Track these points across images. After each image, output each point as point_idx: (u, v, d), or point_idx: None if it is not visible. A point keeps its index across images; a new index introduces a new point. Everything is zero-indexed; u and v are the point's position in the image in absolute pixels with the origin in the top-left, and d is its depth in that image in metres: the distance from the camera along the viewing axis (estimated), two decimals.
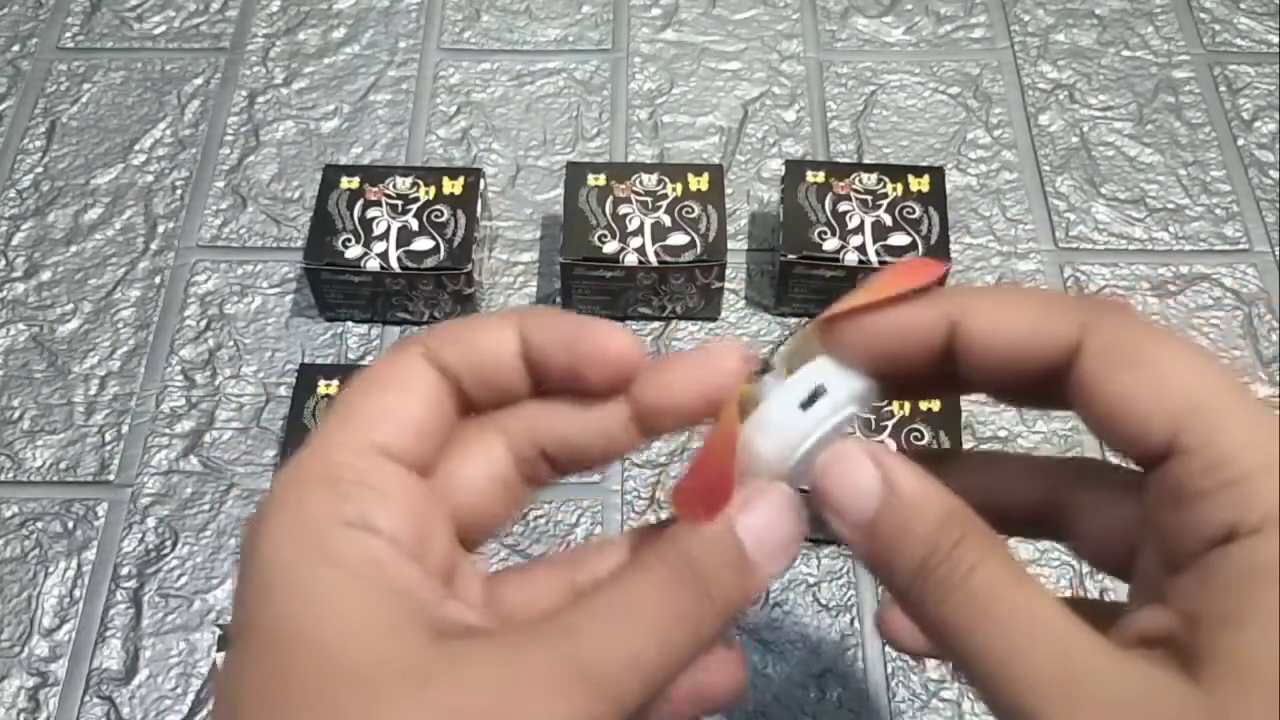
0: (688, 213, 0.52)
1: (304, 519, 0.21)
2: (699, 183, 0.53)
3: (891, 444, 0.46)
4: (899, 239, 0.52)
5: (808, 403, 0.23)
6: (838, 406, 0.23)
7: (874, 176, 0.54)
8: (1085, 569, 0.47)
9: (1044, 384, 0.23)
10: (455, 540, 0.24)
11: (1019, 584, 0.21)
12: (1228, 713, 0.18)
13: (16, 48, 0.64)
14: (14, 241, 0.57)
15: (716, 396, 0.24)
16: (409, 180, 0.53)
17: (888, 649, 0.46)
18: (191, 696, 0.45)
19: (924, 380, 0.24)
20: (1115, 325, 0.22)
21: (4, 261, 0.56)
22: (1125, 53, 0.64)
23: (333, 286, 0.52)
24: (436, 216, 0.52)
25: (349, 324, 0.54)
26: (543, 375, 0.25)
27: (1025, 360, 0.22)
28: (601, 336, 0.24)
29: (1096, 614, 0.21)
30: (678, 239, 0.52)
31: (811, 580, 0.48)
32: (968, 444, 0.50)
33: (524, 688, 0.20)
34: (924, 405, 0.48)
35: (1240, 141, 0.61)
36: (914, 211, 0.52)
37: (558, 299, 0.55)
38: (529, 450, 0.25)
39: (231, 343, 0.54)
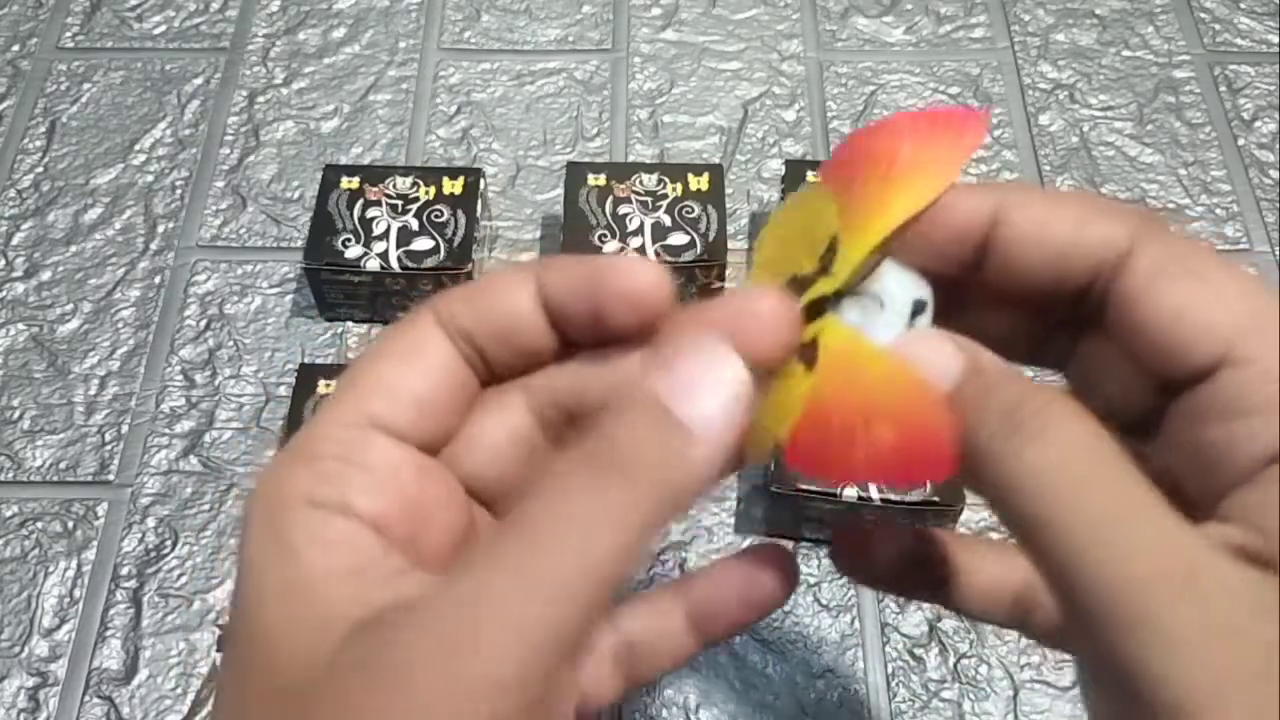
0: (688, 213, 0.52)
1: (276, 503, 0.20)
2: (699, 183, 0.53)
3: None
4: None
5: (912, 318, 0.22)
6: (928, 313, 0.22)
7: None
8: None
9: (1077, 298, 0.21)
10: (469, 509, 0.23)
11: (1117, 451, 0.19)
12: None
13: (16, 47, 0.64)
14: (14, 241, 0.57)
15: (764, 350, 0.21)
16: (409, 180, 0.53)
17: (888, 650, 0.46)
18: (191, 697, 0.45)
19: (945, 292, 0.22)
20: (1167, 236, 0.21)
21: (4, 261, 0.56)
22: (1125, 53, 0.64)
23: (333, 286, 0.52)
24: (436, 216, 0.52)
25: (349, 324, 0.54)
26: (567, 329, 0.22)
27: (1067, 262, 0.21)
28: (622, 274, 0.21)
29: None
30: (678, 239, 0.52)
31: (812, 580, 0.48)
32: None
33: (409, 672, 0.18)
34: None
35: (1241, 141, 0.61)
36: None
37: None
38: (552, 410, 0.23)
39: (231, 343, 0.54)
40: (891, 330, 0.22)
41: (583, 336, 0.22)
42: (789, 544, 0.48)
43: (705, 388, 0.20)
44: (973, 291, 0.23)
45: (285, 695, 0.18)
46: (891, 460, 0.20)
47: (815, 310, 0.23)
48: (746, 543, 0.48)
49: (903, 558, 0.26)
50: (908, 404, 0.20)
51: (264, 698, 0.19)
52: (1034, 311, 0.23)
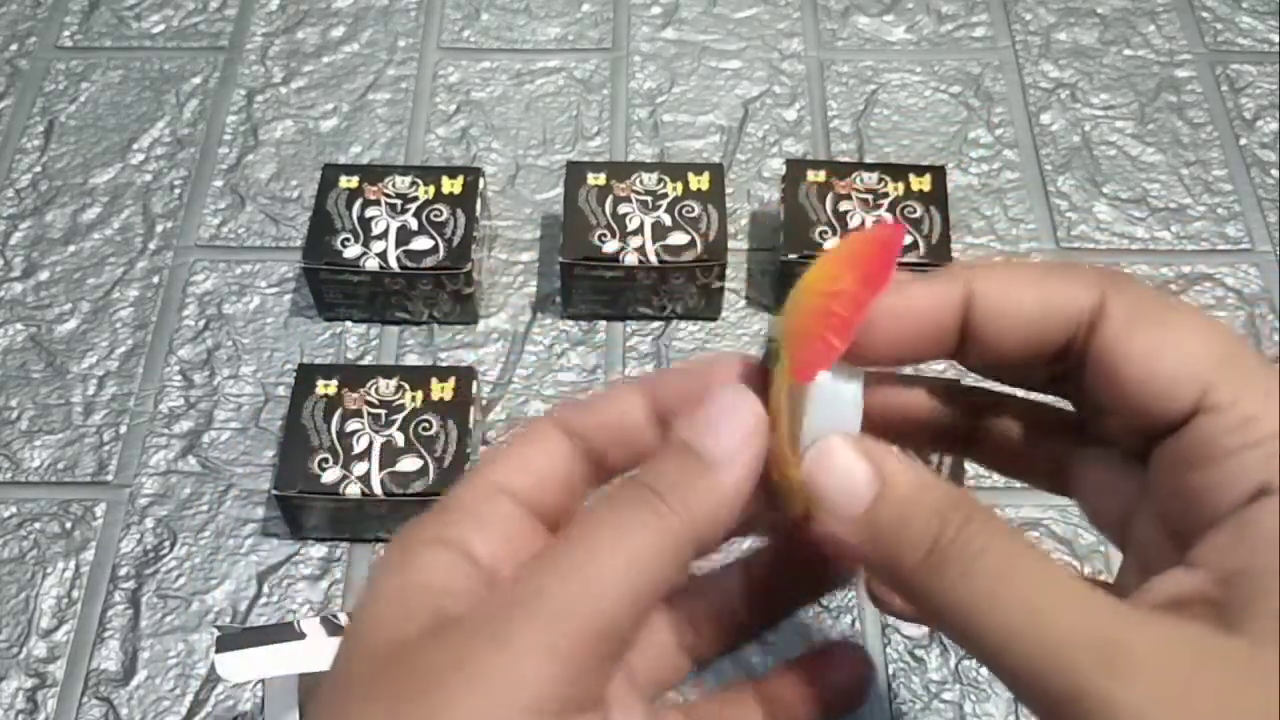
0: (688, 212, 0.52)
1: (408, 539, 0.24)
2: (699, 182, 0.53)
3: None
4: None
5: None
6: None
7: (875, 176, 0.53)
8: (1082, 561, 0.47)
9: (1058, 360, 0.22)
10: None
11: (1036, 557, 0.20)
12: (1266, 654, 0.18)
13: (15, 47, 0.64)
14: (12, 241, 0.57)
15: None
16: (408, 179, 0.53)
17: (889, 651, 0.46)
18: (190, 697, 0.45)
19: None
20: (1136, 291, 0.22)
21: (2, 261, 0.56)
22: (1127, 52, 0.64)
23: (331, 286, 0.52)
24: (436, 216, 0.52)
25: (348, 324, 0.54)
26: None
27: (1042, 330, 0.22)
28: (720, 400, 0.24)
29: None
30: (678, 238, 0.51)
31: None
32: None
33: (476, 637, 0.21)
34: None
35: (1242, 141, 0.60)
36: (915, 211, 0.52)
37: (558, 298, 0.54)
38: (578, 440, 0.26)
39: (230, 342, 0.54)
40: (843, 417, 0.23)
41: None
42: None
43: (724, 426, 0.23)
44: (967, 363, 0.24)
45: (375, 663, 0.21)
46: (858, 284, 0.23)
47: None
48: None
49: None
50: (838, 258, 0.23)
51: (363, 657, 0.22)
52: (1025, 373, 0.24)
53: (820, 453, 0.23)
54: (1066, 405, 0.25)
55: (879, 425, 0.24)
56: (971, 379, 0.26)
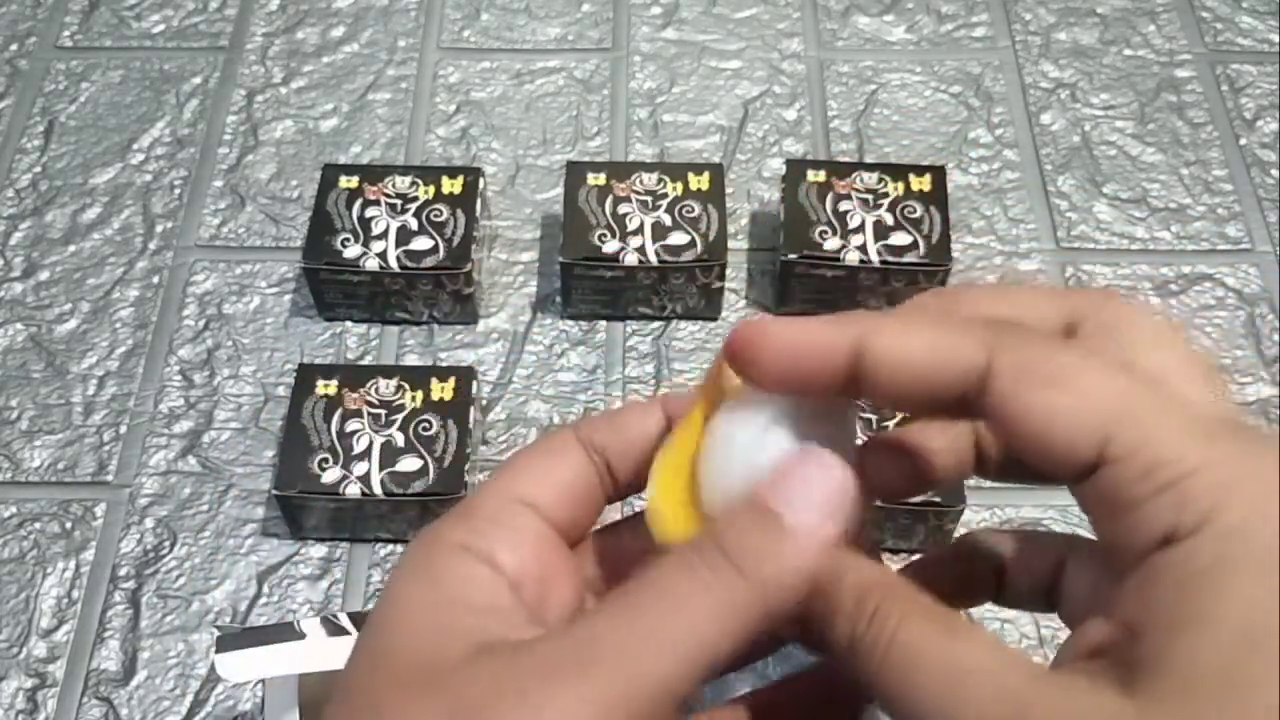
0: (688, 212, 0.52)
1: (431, 546, 0.24)
2: (699, 182, 0.53)
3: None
4: (900, 238, 0.52)
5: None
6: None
7: (875, 176, 0.53)
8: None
9: (959, 408, 0.22)
10: (583, 592, 0.26)
11: (946, 634, 0.20)
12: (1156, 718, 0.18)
13: (15, 47, 0.64)
14: (12, 241, 0.57)
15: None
16: (408, 179, 0.53)
17: None
18: (190, 698, 0.45)
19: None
20: (1022, 344, 0.21)
21: (2, 261, 0.56)
22: (1127, 51, 0.64)
23: (331, 286, 0.52)
24: (436, 216, 0.52)
25: (348, 324, 0.54)
26: None
27: (931, 385, 0.22)
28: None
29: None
30: (678, 238, 0.51)
31: None
32: None
33: (528, 673, 0.21)
34: None
35: (1242, 141, 0.60)
36: (915, 211, 0.52)
37: (558, 299, 0.54)
38: (596, 455, 0.26)
39: (230, 342, 0.54)
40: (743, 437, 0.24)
41: None
42: None
43: (811, 494, 0.22)
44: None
45: (416, 683, 0.21)
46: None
47: None
48: None
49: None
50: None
51: (395, 676, 0.22)
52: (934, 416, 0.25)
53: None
54: None
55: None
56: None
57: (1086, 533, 0.26)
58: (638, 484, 0.26)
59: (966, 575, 0.27)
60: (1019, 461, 0.26)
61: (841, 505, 0.23)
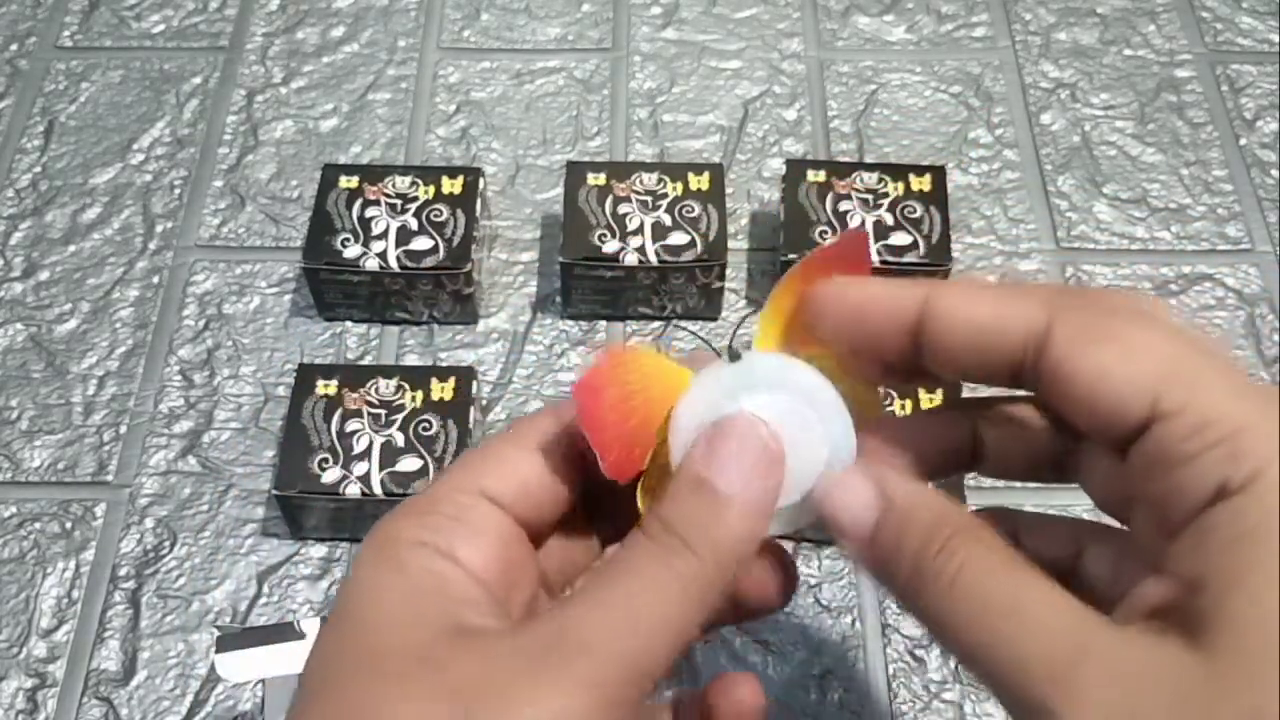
0: (688, 212, 0.52)
1: (390, 535, 0.24)
2: (699, 182, 0.53)
3: None
4: (900, 238, 0.52)
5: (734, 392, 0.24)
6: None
7: (875, 176, 0.53)
8: None
9: (1012, 377, 0.23)
10: (541, 591, 0.26)
11: (1013, 573, 0.21)
12: (1225, 677, 0.18)
13: (15, 47, 0.64)
14: (12, 241, 0.57)
15: None
16: (408, 179, 0.53)
17: (889, 651, 0.46)
18: (190, 698, 0.45)
19: (891, 374, 0.25)
20: (1083, 305, 0.22)
21: (2, 261, 0.56)
22: (1127, 51, 0.64)
23: (331, 286, 0.52)
24: (436, 216, 0.52)
25: (348, 324, 0.54)
26: None
27: (992, 344, 0.22)
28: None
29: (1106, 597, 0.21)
30: (678, 238, 0.51)
31: (813, 581, 0.47)
32: None
33: (514, 663, 0.21)
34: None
35: (1242, 141, 0.60)
36: (915, 211, 0.52)
37: (558, 299, 0.54)
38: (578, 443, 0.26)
39: (230, 342, 0.54)
40: (711, 377, 0.25)
41: None
42: (789, 544, 0.48)
43: (734, 460, 0.23)
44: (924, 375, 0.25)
45: (397, 668, 0.22)
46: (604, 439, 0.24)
47: None
48: None
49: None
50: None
51: (379, 666, 0.22)
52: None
53: (830, 483, 0.24)
54: None
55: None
56: (969, 389, 0.26)
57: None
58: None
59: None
60: (1018, 457, 0.26)
61: (772, 468, 0.23)
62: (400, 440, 0.46)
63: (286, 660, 0.36)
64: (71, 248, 0.57)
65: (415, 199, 0.52)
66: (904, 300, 0.23)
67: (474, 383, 0.48)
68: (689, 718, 0.27)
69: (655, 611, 0.22)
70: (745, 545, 0.23)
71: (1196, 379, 0.20)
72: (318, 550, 0.48)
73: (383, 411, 0.47)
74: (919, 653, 0.46)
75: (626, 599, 0.22)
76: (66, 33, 0.65)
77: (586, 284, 0.52)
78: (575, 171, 0.53)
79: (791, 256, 0.51)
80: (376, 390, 0.47)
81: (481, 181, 0.54)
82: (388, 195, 0.53)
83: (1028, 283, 0.24)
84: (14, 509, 0.49)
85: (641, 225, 0.52)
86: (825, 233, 0.52)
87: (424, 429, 0.46)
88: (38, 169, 0.59)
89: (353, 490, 0.45)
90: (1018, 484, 0.47)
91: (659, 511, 0.23)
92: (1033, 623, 0.20)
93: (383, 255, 0.51)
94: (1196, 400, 0.20)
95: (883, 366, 0.25)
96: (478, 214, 0.52)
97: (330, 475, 0.45)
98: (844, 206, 0.52)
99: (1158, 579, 0.20)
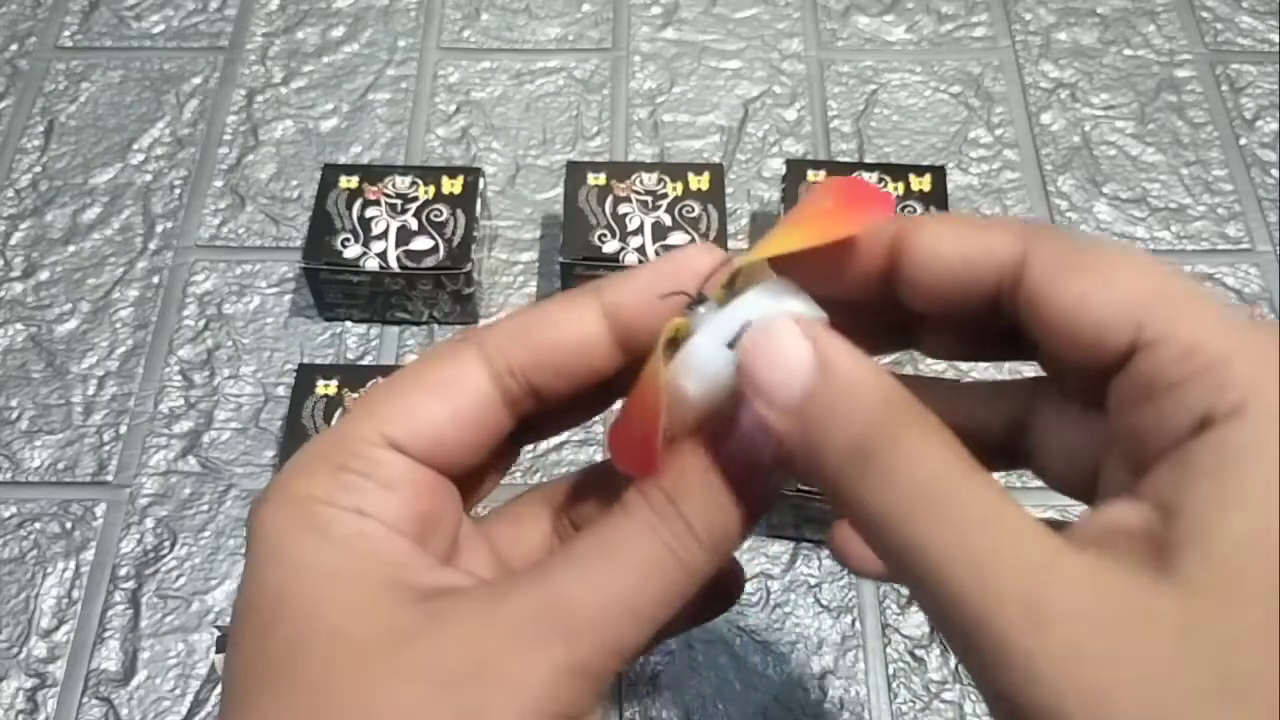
0: (688, 212, 0.52)
1: (302, 496, 0.22)
2: (699, 182, 0.53)
3: None
4: None
5: (736, 340, 0.21)
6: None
7: (875, 176, 0.53)
8: None
9: (991, 310, 0.22)
10: (462, 517, 0.24)
11: (970, 476, 0.19)
12: (1197, 607, 0.17)
13: (15, 47, 0.64)
14: (12, 241, 0.57)
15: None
16: (408, 179, 0.53)
17: (889, 651, 0.46)
18: (190, 698, 0.45)
19: (872, 317, 0.24)
20: (1059, 238, 0.21)
21: (2, 261, 0.56)
22: (1127, 51, 0.64)
23: (331, 286, 0.52)
24: (436, 216, 0.52)
25: (348, 324, 0.54)
26: (636, 345, 0.23)
27: (968, 277, 0.22)
28: (688, 264, 0.23)
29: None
30: (678, 238, 0.51)
31: (812, 581, 0.47)
32: None
33: (502, 639, 0.20)
34: None
35: (1242, 141, 0.60)
36: (915, 211, 0.52)
37: None
38: (510, 381, 0.23)
39: (230, 342, 0.54)
40: (705, 342, 0.21)
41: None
42: (790, 544, 0.48)
43: (747, 456, 0.22)
44: (912, 314, 0.23)
45: (331, 647, 0.20)
46: (622, 452, 0.22)
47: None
48: (747, 543, 0.48)
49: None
50: (639, 400, 0.22)
51: (343, 653, 0.20)
52: (976, 324, 0.23)
53: (761, 332, 0.21)
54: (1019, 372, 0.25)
55: None
56: (927, 365, 0.26)
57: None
58: (567, 395, 0.24)
59: None
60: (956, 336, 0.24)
61: (772, 467, 0.22)
62: None
63: None
64: (71, 248, 0.57)
65: (415, 199, 0.52)
66: (873, 240, 0.22)
67: None
68: None
69: (647, 593, 0.21)
70: (745, 532, 0.22)
71: (1181, 306, 0.20)
72: None
73: None
74: (919, 653, 0.46)
75: (620, 575, 0.21)
76: (66, 33, 0.65)
77: (587, 284, 0.52)
78: (575, 171, 0.53)
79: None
80: None
81: (481, 181, 0.54)
82: (388, 195, 0.53)
83: (998, 217, 0.23)
84: (14, 509, 0.49)
85: (641, 225, 0.52)
86: None
87: None
88: (38, 169, 0.59)
89: None
90: (1017, 484, 0.47)
91: (664, 485, 0.22)
92: (993, 540, 0.18)
93: (383, 255, 0.51)
94: (1181, 327, 0.19)
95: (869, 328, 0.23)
96: (478, 214, 0.52)
97: None
98: None
99: (1127, 503, 0.19)
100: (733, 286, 0.22)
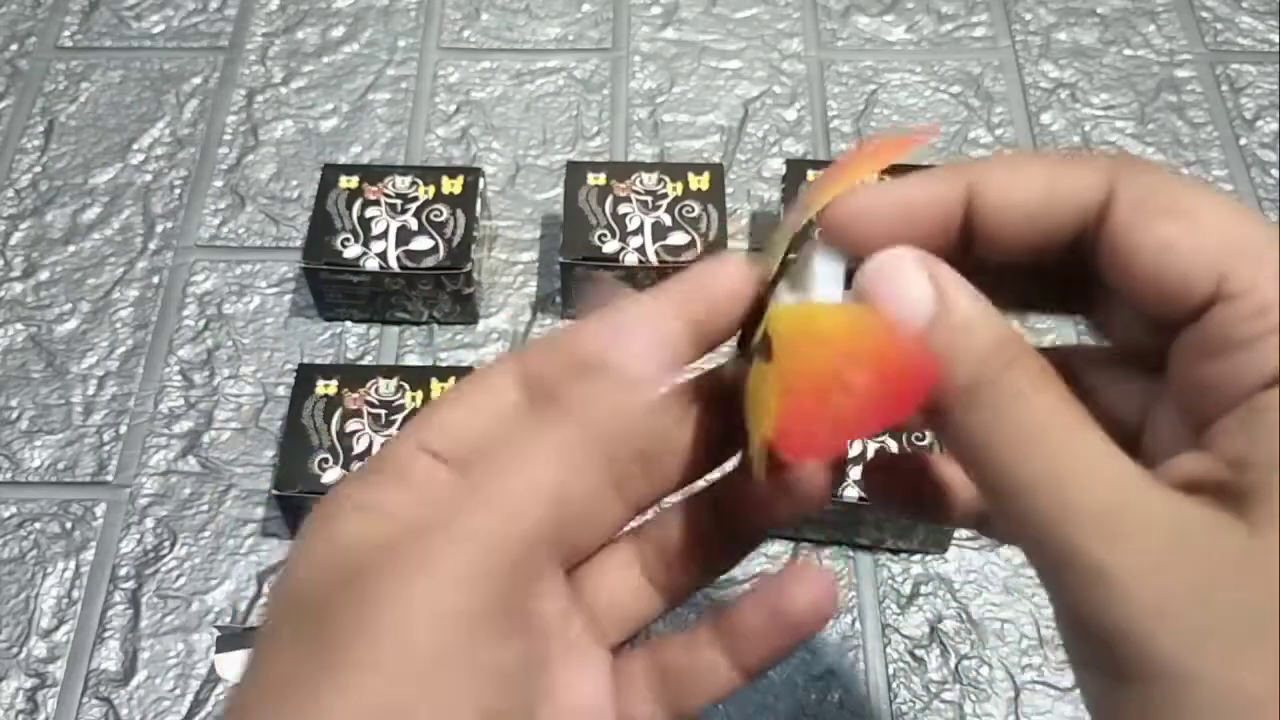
0: (688, 212, 0.52)
1: (330, 505, 0.23)
2: (699, 182, 0.53)
3: (894, 445, 0.46)
4: None
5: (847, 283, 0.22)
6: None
7: (875, 176, 0.53)
8: None
9: (1070, 255, 0.21)
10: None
11: (1072, 414, 0.20)
12: (1263, 539, 0.18)
13: (15, 47, 0.64)
14: (12, 241, 0.57)
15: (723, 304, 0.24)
16: (408, 179, 0.53)
17: (889, 651, 0.46)
18: (190, 698, 0.45)
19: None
20: (1147, 176, 0.21)
21: (2, 261, 0.56)
22: (1127, 51, 0.64)
23: (331, 286, 0.52)
24: (435, 216, 0.52)
25: (348, 324, 0.54)
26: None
27: (1049, 220, 0.21)
28: (718, 282, 0.24)
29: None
30: (678, 238, 0.51)
31: None
32: None
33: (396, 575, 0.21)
34: None
35: (1242, 141, 0.60)
36: None
37: (558, 299, 0.54)
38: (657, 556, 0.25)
39: (230, 342, 0.54)
40: (830, 295, 0.22)
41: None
42: (789, 544, 0.48)
43: (630, 335, 0.23)
44: (977, 264, 0.23)
45: (312, 596, 0.21)
46: (874, 401, 0.20)
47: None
48: None
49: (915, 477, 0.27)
50: (870, 341, 0.21)
51: (294, 599, 0.22)
52: (1037, 273, 0.23)
53: (883, 263, 0.21)
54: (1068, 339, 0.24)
55: None
56: None
57: None
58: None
59: None
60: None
61: (667, 338, 0.23)
62: None
63: None
64: (71, 248, 0.57)
65: (415, 199, 0.52)
66: (947, 192, 0.22)
67: None
68: (752, 617, 0.24)
69: (526, 486, 0.22)
70: (628, 417, 0.23)
71: (1263, 259, 0.19)
72: None
73: (383, 411, 0.47)
74: (919, 653, 0.46)
75: (498, 479, 0.22)
76: (66, 33, 0.65)
77: (587, 284, 0.52)
78: (575, 171, 0.53)
79: (792, 256, 0.51)
80: (376, 390, 0.47)
81: (481, 181, 0.54)
82: (388, 195, 0.53)
83: (1079, 153, 0.22)
84: (14, 509, 0.49)
85: (641, 225, 0.52)
86: None
87: None
88: (38, 169, 0.59)
89: None
90: None
91: (549, 383, 0.23)
92: (1087, 468, 0.19)
93: (383, 255, 0.51)
94: (1262, 283, 0.19)
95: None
96: (478, 214, 0.52)
97: (330, 475, 0.45)
98: None
99: (1197, 454, 0.20)
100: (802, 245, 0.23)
